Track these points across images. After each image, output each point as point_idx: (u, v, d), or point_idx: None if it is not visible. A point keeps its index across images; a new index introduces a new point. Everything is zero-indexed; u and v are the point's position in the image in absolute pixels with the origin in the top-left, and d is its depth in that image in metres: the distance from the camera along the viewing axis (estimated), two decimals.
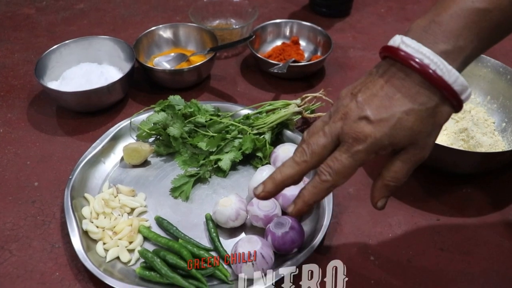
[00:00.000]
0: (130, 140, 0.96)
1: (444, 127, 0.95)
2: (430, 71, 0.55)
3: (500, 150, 0.94)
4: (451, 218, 0.86)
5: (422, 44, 0.56)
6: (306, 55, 1.21)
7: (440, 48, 0.55)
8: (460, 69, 0.57)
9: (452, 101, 0.56)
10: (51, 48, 1.08)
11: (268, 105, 0.98)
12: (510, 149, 0.94)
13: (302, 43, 1.23)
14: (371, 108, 0.57)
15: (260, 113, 0.97)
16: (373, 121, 0.57)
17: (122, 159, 0.93)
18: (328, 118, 0.61)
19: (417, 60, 0.55)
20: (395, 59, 0.57)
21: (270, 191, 0.63)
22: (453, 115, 0.97)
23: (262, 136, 0.92)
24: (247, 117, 0.96)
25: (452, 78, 0.55)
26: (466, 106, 1.01)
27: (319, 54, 1.20)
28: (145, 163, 0.93)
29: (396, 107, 0.56)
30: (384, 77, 0.58)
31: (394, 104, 0.57)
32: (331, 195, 0.83)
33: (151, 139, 0.98)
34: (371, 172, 0.93)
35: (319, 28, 1.21)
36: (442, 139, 0.95)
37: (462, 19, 0.56)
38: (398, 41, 0.57)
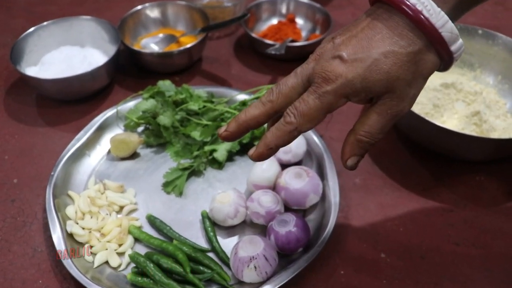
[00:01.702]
0: (117, 131, 0.89)
1: (455, 111, 0.89)
2: (416, 11, 0.50)
3: None
4: (465, 209, 0.81)
5: None
6: (303, 34, 1.14)
7: None
8: (452, 14, 0.52)
9: (439, 49, 0.52)
10: (28, 31, 1.00)
11: (266, 90, 0.91)
12: None
13: (299, 21, 1.16)
14: (347, 48, 0.52)
15: (257, 98, 0.90)
16: (347, 60, 0.52)
17: (109, 151, 0.87)
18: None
19: (404, 2, 0.50)
20: (381, 1, 0.53)
21: (232, 132, 0.58)
22: (464, 97, 0.91)
23: None
24: (243, 103, 0.89)
25: (440, 21, 0.50)
26: (476, 87, 0.95)
27: (317, 32, 1.13)
28: (134, 155, 0.87)
29: (374, 48, 0.51)
30: (368, 19, 0.53)
31: (372, 45, 0.52)
32: (337, 187, 0.78)
33: (140, 129, 0.90)
34: (377, 160, 0.87)
35: (317, 5, 1.14)
36: (453, 124, 0.89)
37: None
38: None
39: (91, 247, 0.73)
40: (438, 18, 0.50)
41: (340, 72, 0.52)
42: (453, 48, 0.52)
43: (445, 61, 0.53)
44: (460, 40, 0.52)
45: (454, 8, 0.53)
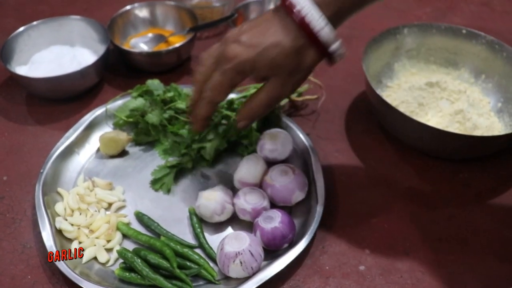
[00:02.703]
0: (106, 129, 0.90)
1: (439, 109, 0.91)
2: (300, 16, 0.61)
3: (497, 132, 0.90)
4: (449, 206, 0.82)
5: None
6: None
7: None
8: (333, 19, 0.63)
9: (319, 48, 0.64)
10: (18, 30, 1.01)
11: (253, 89, 0.92)
12: (507, 132, 0.90)
13: None
14: (247, 35, 0.65)
15: (244, 97, 0.91)
16: (243, 44, 0.64)
17: (98, 149, 0.87)
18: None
19: (292, 3, 0.62)
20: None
21: (193, 100, 0.73)
22: (448, 96, 0.93)
23: None
24: (231, 102, 0.90)
25: (319, 26, 0.62)
26: (460, 86, 0.97)
27: None
28: (122, 153, 0.87)
29: (267, 38, 0.64)
30: (272, 13, 0.65)
31: (266, 35, 0.64)
32: (322, 183, 0.79)
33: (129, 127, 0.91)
34: (363, 158, 0.89)
35: None
36: (437, 121, 0.90)
37: None
38: None
39: (81, 243, 0.73)
40: (318, 23, 0.61)
41: (236, 53, 0.64)
42: (331, 48, 0.64)
43: (327, 57, 0.66)
44: (338, 42, 0.64)
45: (335, 14, 0.63)
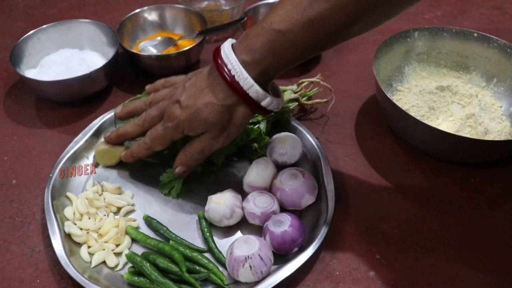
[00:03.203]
0: None
1: (450, 113, 0.90)
2: (230, 76, 0.66)
3: (509, 137, 0.89)
4: (460, 211, 0.81)
5: (233, 51, 0.66)
6: None
7: (242, 58, 0.65)
8: (259, 79, 0.66)
9: (250, 104, 0.68)
10: (28, 34, 1.01)
11: None
12: None
13: None
14: (186, 96, 0.71)
15: None
16: (182, 106, 0.71)
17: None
18: (168, 92, 0.78)
19: (224, 64, 0.66)
20: None
21: (112, 138, 0.82)
22: (459, 100, 0.92)
23: (256, 126, 0.86)
24: None
25: (247, 85, 0.65)
26: (472, 90, 0.96)
27: None
28: None
29: (200, 99, 0.69)
30: (209, 72, 0.70)
31: (200, 95, 0.69)
32: (332, 187, 0.78)
33: None
34: (373, 162, 0.88)
35: None
36: (448, 126, 0.90)
37: (261, 37, 0.64)
38: (224, 43, 0.68)
39: (90, 248, 0.73)
40: (246, 82, 0.65)
41: (176, 115, 0.71)
42: (263, 103, 0.68)
43: (260, 112, 0.70)
44: (268, 98, 0.67)
45: (261, 74, 0.66)
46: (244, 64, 0.65)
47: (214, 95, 0.68)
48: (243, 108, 0.69)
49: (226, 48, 0.67)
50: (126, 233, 0.75)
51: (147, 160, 0.84)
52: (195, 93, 0.70)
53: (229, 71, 0.66)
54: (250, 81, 0.65)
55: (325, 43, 0.65)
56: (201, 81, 0.70)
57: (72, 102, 0.98)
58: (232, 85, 0.66)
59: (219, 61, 0.67)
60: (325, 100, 0.96)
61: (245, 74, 0.65)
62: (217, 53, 0.68)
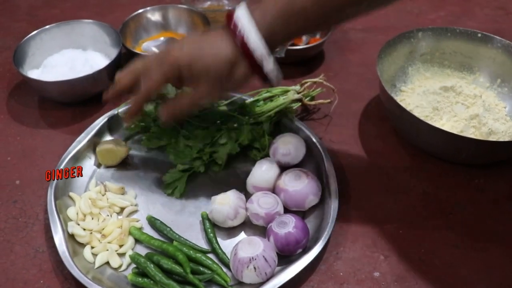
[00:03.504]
0: (117, 133, 0.90)
1: (453, 114, 0.90)
2: (239, 36, 0.67)
3: None
4: (464, 212, 0.81)
5: (247, 13, 0.68)
6: (303, 38, 1.14)
7: (255, 18, 0.67)
8: (269, 41, 0.68)
9: (251, 64, 0.69)
10: (31, 34, 1.01)
11: (266, 92, 0.92)
12: None
13: None
14: (188, 45, 0.72)
15: (257, 101, 0.91)
16: (184, 50, 0.72)
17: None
18: None
19: (234, 21, 0.68)
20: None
21: (131, 111, 0.79)
22: (463, 100, 0.92)
23: (260, 126, 0.86)
24: (242, 105, 0.89)
25: (254, 44, 0.67)
26: (476, 91, 0.96)
27: (317, 36, 1.14)
28: (134, 158, 0.87)
29: (207, 49, 0.71)
30: (215, 30, 0.72)
31: (206, 47, 0.71)
32: (335, 188, 0.78)
33: (129, 135, 0.91)
34: (377, 163, 0.88)
35: None
36: (452, 126, 0.89)
37: (274, 2, 0.67)
38: (239, 6, 0.69)
39: (93, 248, 0.73)
40: (253, 41, 0.67)
41: (177, 57, 0.71)
42: (265, 67, 0.70)
43: (259, 77, 0.72)
44: (271, 63, 0.70)
45: (268, 37, 0.68)
46: (255, 24, 0.67)
47: (219, 46, 0.70)
48: (244, 66, 0.70)
49: (240, 9, 0.69)
50: (130, 233, 0.75)
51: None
52: (200, 44, 0.72)
53: (239, 31, 0.68)
54: (258, 40, 0.67)
55: (331, 17, 0.70)
56: (208, 36, 0.72)
57: (75, 102, 0.98)
58: (240, 40, 0.68)
59: (232, 18, 0.69)
60: (329, 100, 0.96)
61: (254, 34, 0.67)
62: (228, 15, 0.70)
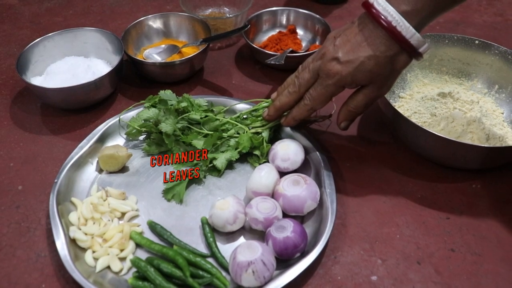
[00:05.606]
0: (119, 139, 0.91)
1: (451, 120, 0.90)
2: (392, 27, 0.69)
3: (511, 143, 0.90)
4: (461, 216, 0.82)
5: (389, 4, 0.69)
6: (303, 44, 1.15)
7: (402, 9, 0.69)
8: (417, 27, 0.70)
9: (410, 52, 0.72)
10: (34, 41, 1.02)
11: (265, 103, 0.92)
12: None
13: (300, 31, 1.18)
14: (343, 51, 0.73)
15: (255, 110, 0.91)
16: (342, 62, 0.74)
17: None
18: (316, 55, 0.79)
19: (382, 17, 0.69)
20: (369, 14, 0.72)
21: (272, 115, 0.85)
22: (461, 106, 0.93)
23: (259, 135, 0.87)
24: (243, 116, 0.90)
25: (409, 34, 0.69)
26: (473, 97, 0.97)
27: (317, 43, 1.15)
28: (135, 164, 0.88)
29: (361, 53, 0.72)
30: (359, 27, 0.73)
31: (360, 50, 0.72)
32: (334, 194, 0.79)
33: (130, 141, 0.92)
34: (375, 168, 0.89)
35: (317, 15, 1.16)
36: (450, 132, 0.90)
37: None
38: None
39: (94, 253, 0.74)
40: (408, 31, 0.69)
41: (337, 71, 0.74)
42: (421, 49, 0.72)
43: (416, 57, 0.73)
44: (426, 44, 0.72)
45: (419, 22, 0.70)
46: (404, 14, 0.69)
47: (375, 48, 0.71)
48: (404, 57, 0.72)
49: (382, 2, 0.70)
50: (130, 238, 0.76)
51: None
52: (352, 48, 0.73)
53: (390, 22, 0.69)
54: (412, 30, 0.69)
55: None
56: (355, 37, 0.73)
57: (78, 109, 0.99)
58: (396, 36, 0.69)
59: (377, 14, 0.70)
60: (330, 114, 0.94)
61: (407, 24, 0.68)
62: (370, 7, 0.71)
